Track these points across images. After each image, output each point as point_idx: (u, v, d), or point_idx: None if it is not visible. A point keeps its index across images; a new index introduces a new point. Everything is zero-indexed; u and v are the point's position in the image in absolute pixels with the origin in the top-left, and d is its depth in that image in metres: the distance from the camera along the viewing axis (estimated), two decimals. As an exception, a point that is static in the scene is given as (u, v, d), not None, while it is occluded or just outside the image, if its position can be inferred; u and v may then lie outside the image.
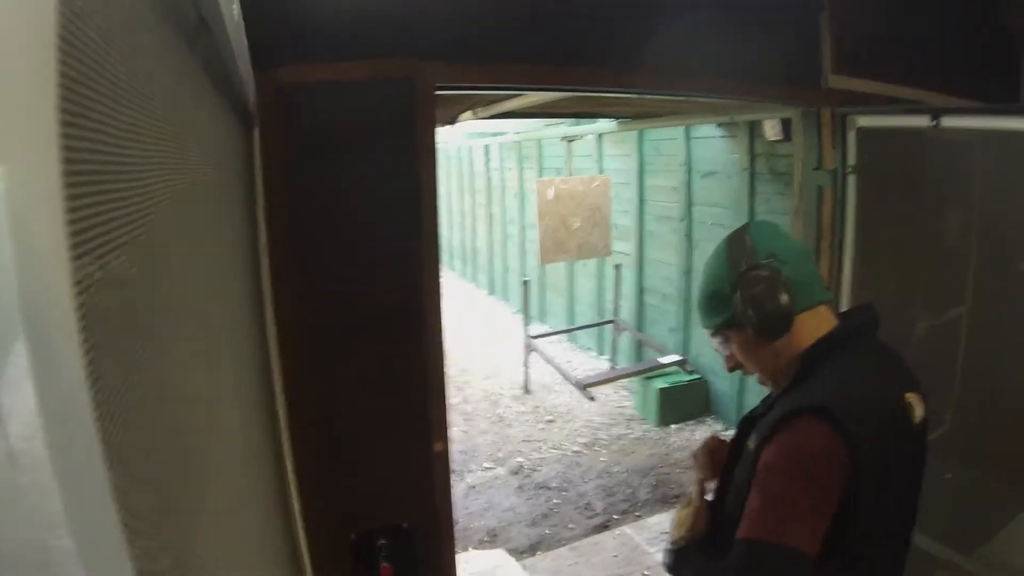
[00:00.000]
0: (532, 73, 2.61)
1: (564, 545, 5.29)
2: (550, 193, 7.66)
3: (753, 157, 6.54)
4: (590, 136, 8.64)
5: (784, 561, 1.45)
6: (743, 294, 1.72)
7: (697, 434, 7.05)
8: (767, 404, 1.81)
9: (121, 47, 0.57)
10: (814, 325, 1.75)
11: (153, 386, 0.62)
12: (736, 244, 1.78)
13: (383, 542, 2.30)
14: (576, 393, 8.08)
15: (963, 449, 3.19)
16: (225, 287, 1.35)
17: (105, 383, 0.45)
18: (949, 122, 2.76)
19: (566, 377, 7.99)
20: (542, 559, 5.12)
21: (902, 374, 1.83)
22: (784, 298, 1.70)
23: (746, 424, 1.86)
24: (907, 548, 1.80)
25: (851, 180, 3.18)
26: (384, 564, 2.22)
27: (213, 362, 1.04)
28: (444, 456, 2.58)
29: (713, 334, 1.90)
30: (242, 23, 1.51)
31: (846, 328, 1.77)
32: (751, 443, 1.71)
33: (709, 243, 7.10)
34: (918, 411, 1.75)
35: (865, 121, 3.09)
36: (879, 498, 1.58)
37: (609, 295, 9.12)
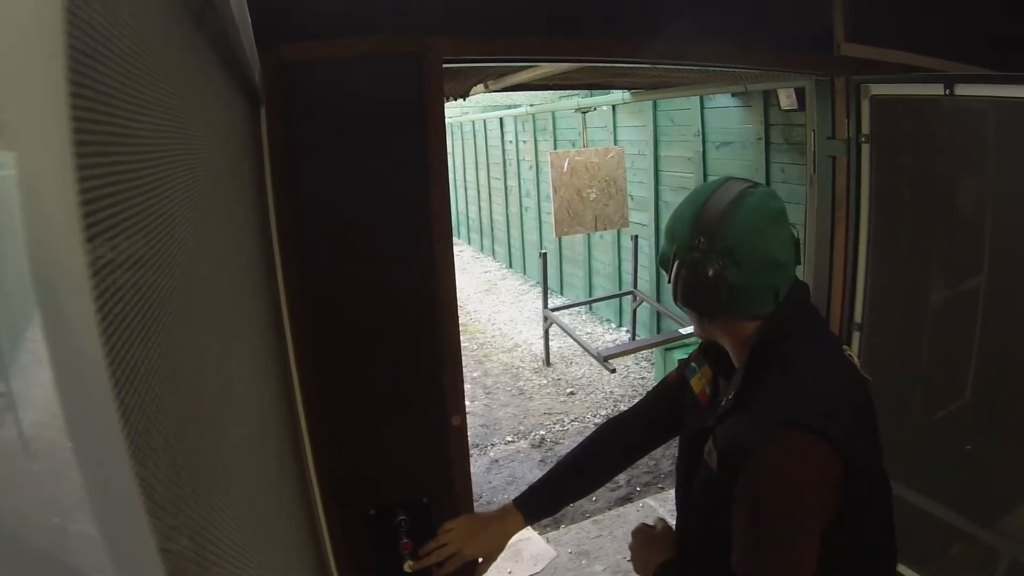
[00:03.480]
0: (541, 44, 2.59)
1: (588, 518, 5.32)
2: (565, 165, 7.64)
3: (768, 127, 6.49)
4: (604, 107, 8.61)
5: None
6: (680, 266, 1.66)
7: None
8: (719, 413, 1.67)
9: (126, 21, 0.57)
10: (749, 325, 1.67)
11: (169, 366, 0.63)
12: (714, 205, 1.63)
13: (403, 517, 2.32)
14: (596, 365, 8.07)
15: (983, 420, 3.18)
16: (237, 264, 1.36)
17: (123, 363, 0.46)
18: (964, 90, 2.73)
19: (586, 349, 7.99)
20: (565, 532, 5.15)
21: (833, 334, 1.80)
22: (709, 301, 1.63)
23: (697, 436, 1.76)
24: (891, 499, 1.70)
25: (865, 149, 3.16)
26: (404, 539, 2.24)
27: (226, 339, 1.06)
28: (461, 430, 2.59)
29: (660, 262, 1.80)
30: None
31: (792, 316, 1.67)
32: (712, 458, 1.64)
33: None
34: (856, 362, 1.71)
35: (879, 90, 3.07)
36: (867, 485, 1.55)
37: (627, 266, 9.12)
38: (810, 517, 1.44)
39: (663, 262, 1.75)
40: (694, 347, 6.47)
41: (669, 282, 1.73)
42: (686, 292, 1.66)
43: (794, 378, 1.58)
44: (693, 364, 1.96)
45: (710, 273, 1.60)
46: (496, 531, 2.14)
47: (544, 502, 2.19)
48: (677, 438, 2.06)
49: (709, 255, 1.60)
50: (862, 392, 1.66)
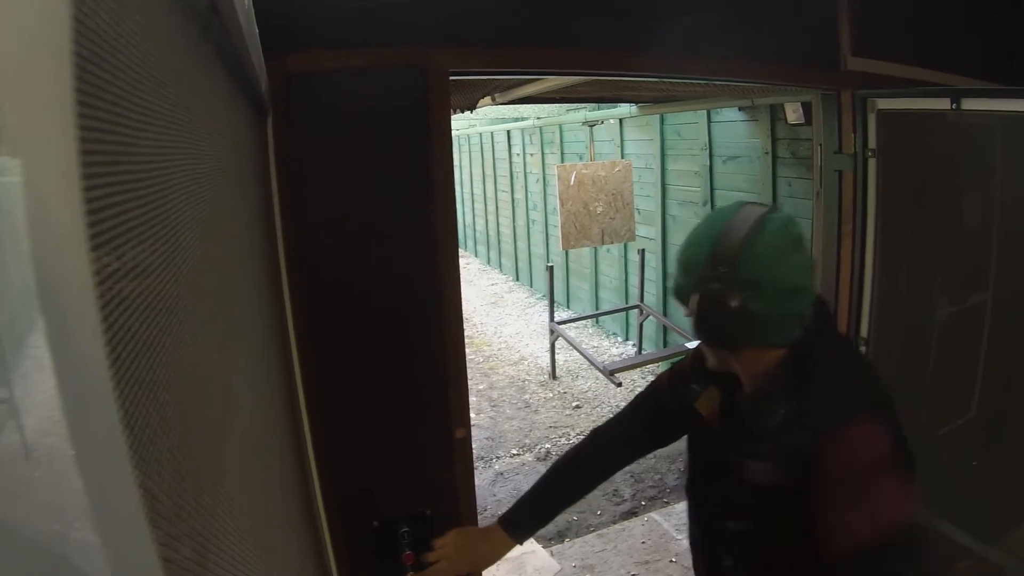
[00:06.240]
0: (547, 57, 2.60)
1: (592, 532, 5.30)
2: (572, 178, 7.65)
3: (775, 141, 6.48)
4: (611, 120, 8.61)
5: (912, 540, 1.50)
6: (701, 299, 1.63)
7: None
8: (762, 436, 1.64)
9: (132, 30, 0.57)
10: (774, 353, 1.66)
11: (174, 376, 0.63)
12: (731, 233, 1.59)
13: (406, 529, 2.31)
14: (602, 379, 8.05)
15: (988, 436, 3.17)
16: (241, 274, 1.35)
17: (127, 372, 0.46)
18: (970, 104, 2.73)
19: (592, 362, 7.97)
20: (570, 546, 5.13)
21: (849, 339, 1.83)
22: (735, 335, 1.63)
23: (724, 463, 1.74)
24: None
25: (871, 164, 3.15)
26: (407, 551, 2.24)
27: (230, 349, 1.05)
28: (466, 442, 2.59)
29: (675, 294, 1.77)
30: (252, 10, 1.52)
31: (819, 332, 1.68)
32: (763, 472, 1.62)
33: (732, 227, 7.08)
34: None
35: (885, 104, 3.06)
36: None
37: (633, 280, 9.10)
38: (900, 485, 1.52)
39: (679, 295, 1.73)
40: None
41: (687, 315, 1.70)
42: (711, 328, 1.65)
43: (841, 378, 1.64)
44: (694, 387, 1.90)
45: (733, 305, 1.57)
46: (484, 550, 2.15)
47: (529, 517, 2.18)
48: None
49: (731, 287, 1.57)
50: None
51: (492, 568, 2.21)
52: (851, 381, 1.64)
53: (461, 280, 2.52)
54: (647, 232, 8.81)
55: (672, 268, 8.48)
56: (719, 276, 1.58)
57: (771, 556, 1.72)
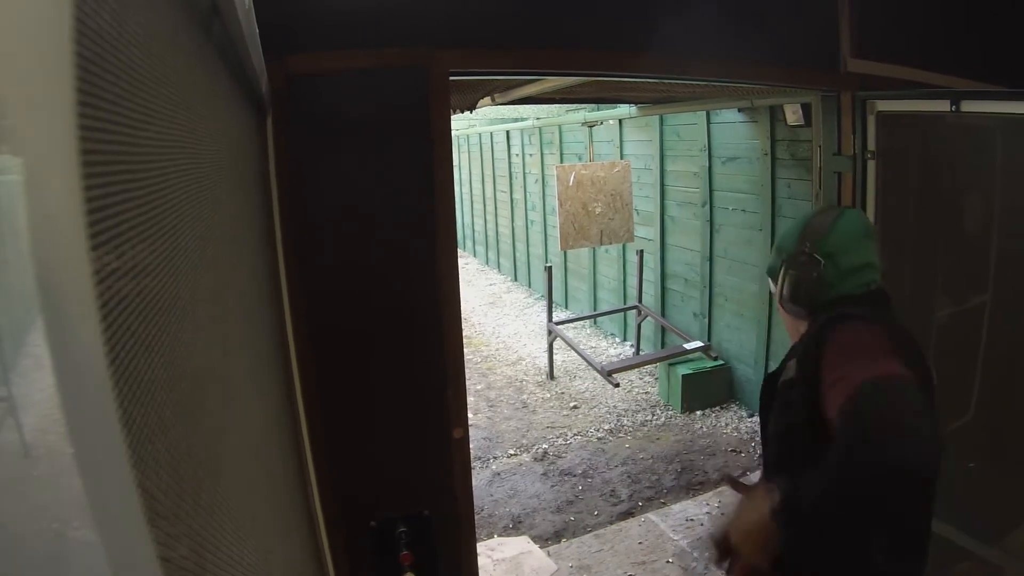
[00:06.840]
0: (546, 58, 2.60)
1: (589, 532, 5.29)
2: (571, 179, 7.64)
3: (774, 142, 6.46)
4: (611, 121, 8.60)
5: (893, 389, 1.47)
6: (787, 269, 2.00)
7: (722, 420, 7.03)
8: (786, 359, 1.96)
9: (134, 30, 0.57)
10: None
11: (171, 375, 0.63)
12: (818, 221, 2.00)
13: (403, 529, 2.31)
14: (600, 379, 8.04)
15: (986, 438, 3.17)
16: (241, 274, 1.35)
17: (126, 371, 0.46)
18: (970, 106, 2.73)
19: (590, 363, 7.96)
20: (567, 546, 5.12)
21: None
22: (811, 296, 1.95)
23: (768, 383, 2.01)
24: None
25: (871, 166, 3.15)
26: (404, 551, 2.24)
27: (229, 349, 1.05)
28: (463, 443, 2.59)
29: (768, 273, 2.16)
30: (253, 10, 1.52)
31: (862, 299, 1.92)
32: (783, 379, 1.86)
33: (731, 229, 7.08)
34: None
35: (885, 106, 3.07)
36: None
37: (632, 281, 9.08)
38: (887, 351, 1.59)
39: (771, 273, 2.13)
40: (697, 361, 6.36)
41: (774, 290, 2.11)
42: (793, 290, 1.99)
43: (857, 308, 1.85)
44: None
45: (814, 274, 1.94)
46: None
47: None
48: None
49: (814, 258, 1.94)
50: (926, 366, 1.79)
51: (490, 568, 2.20)
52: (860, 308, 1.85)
53: (460, 280, 2.52)
54: (646, 233, 8.80)
55: (670, 268, 8.63)
56: (806, 251, 1.96)
57: (786, 448, 1.90)
